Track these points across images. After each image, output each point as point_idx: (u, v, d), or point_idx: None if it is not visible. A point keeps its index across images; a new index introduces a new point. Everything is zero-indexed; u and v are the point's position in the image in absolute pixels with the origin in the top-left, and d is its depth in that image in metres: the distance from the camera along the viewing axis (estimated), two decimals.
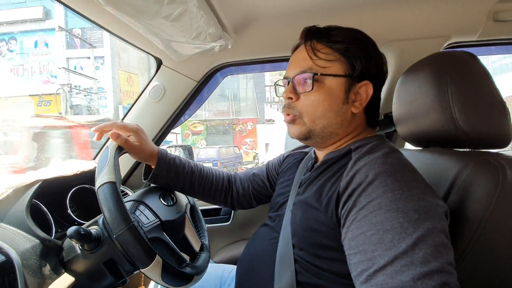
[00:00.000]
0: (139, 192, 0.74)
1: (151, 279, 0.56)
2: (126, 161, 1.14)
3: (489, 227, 0.48)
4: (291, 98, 0.62)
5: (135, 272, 0.63)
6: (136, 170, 1.18)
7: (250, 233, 0.81)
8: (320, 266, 0.55)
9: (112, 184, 0.55)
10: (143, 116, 1.12)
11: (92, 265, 0.59)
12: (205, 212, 1.23)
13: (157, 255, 0.55)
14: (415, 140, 0.70)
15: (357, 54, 0.58)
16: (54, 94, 10.64)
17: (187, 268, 0.65)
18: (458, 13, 0.94)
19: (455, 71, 0.54)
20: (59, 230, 0.78)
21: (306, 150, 0.82)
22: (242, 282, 0.69)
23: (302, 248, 0.58)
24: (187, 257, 0.72)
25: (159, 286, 0.78)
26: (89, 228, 0.59)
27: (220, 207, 1.26)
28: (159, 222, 0.67)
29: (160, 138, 1.18)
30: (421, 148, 0.72)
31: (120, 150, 0.66)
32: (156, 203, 0.71)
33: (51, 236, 0.71)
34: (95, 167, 0.61)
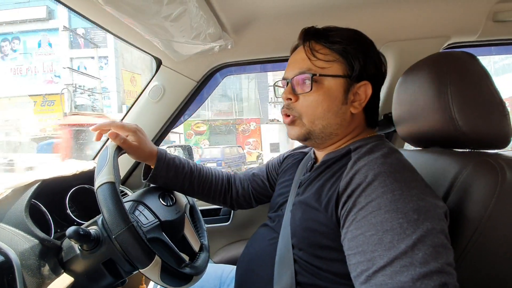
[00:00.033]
0: (138, 192, 0.74)
1: (150, 280, 0.56)
2: (126, 161, 1.14)
3: (488, 228, 0.48)
4: (290, 99, 0.62)
5: (134, 272, 0.62)
6: (136, 170, 1.18)
7: (250, 233, 0.81)
8: (319, 266, 0.55)
9: (111, 184, 0.55)
10: (142, 116, 1.12)
11: (91, 265, 0.59)
12: (205, 212, 1.23)
13: (156, 256, 0.55)
14: (415, 140, 0.70)
15: (356, 55, 0.58)
16: (57, 94, 10.67)
17: (186, 268, 0.65)
18: (458, 13, 0.94)
19: (455, 72, 0.54)
20: (58, 230, 0.78)
21: (306, 150, 0.82)
22: (242, 282, 0.69)
23: (301, 249, 0.58)
24: (186, 257, 0.72)
25: (159, 286, 0.78)
26: (88, 228, 0.59)
27: (219, 207, 1.26)
28: (158, 222, 0.67)
29: (159, 138, 1.18)
30: (420, 149, 0.72)
31: (119, 150, 0.66)
32: (156, 203, 0.71)
33: (50, 236, 0.71)
34: (95, 167, 0.61)
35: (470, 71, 0.54)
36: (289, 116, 0.64)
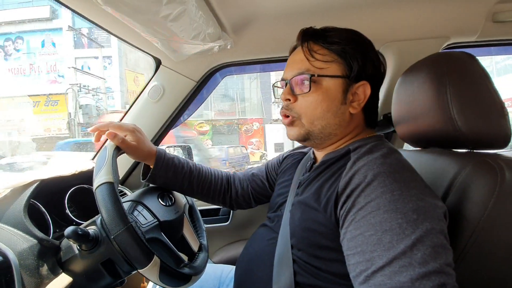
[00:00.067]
0: (137, 192, 0.74)
1: (149, 280, 0.56)
2: (125, 161, 1.14)
3: (487, 228, 0.48)
4: (289, 100, 0.62)
5: (133, 273, 0.62)
6: (135, 170, 1.18)
7: (249, 234, 0.81)
8: (318, 266, 0.55)
9: (110, 184, 0.55)
10: (142, 116, 1.12)
11: (90, 265, 0.59)
12: (204, 212, 1.23)
13: (155, 256, 0.54)
14: (414, 140, 0.70)
15: (354, 55, 0.59)
16: (61, 94, 10.69)
17: (185, 269, 0.65)
18: (457, 13, 0.94)
19: (454, 72, 0.54)
20: (57, 230, 0.78)
21: (305, 150, 0.82)
22: (241, 282, 0.68)
23: (300, 249, 0.58)
24: (185, 257, 0.71)
25: (158, 286, 0.78)
26: (87, 228, 0.58)
27: (219, 207, 1.25)
28: (157, 222, 0.67)
29: (159, 138, 1.17)
30: (420, 149, 0.72)
31: (118, 150, 0.66)
32: (155, 203, 0.71)
33: (49, 236, 0.71)
34: (93, 167, 0.61)
35: (469, 72, 0.54)
36: (288, 116, 0.64)
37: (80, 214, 0.88)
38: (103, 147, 0.64)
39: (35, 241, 0.60)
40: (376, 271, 0.42)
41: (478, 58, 0.56)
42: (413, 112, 0.62)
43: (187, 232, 0.77)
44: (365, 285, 0.42)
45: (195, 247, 0.77)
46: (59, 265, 0.61)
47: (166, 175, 0.77)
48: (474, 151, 0.57)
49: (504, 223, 0.48)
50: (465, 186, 0.50)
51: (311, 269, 0.55)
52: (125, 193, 1.03)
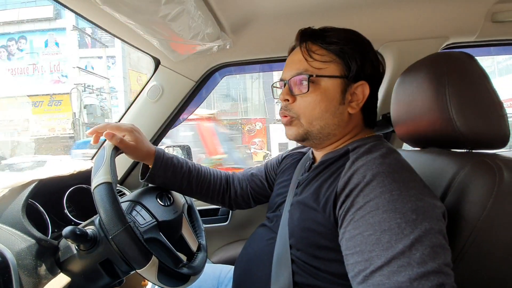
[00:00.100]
0: (136, 192, 0.74)
1: (147, 280, 0.56)
2: (124, 161, 1.14)
3: (485, 228, 0.48)
4: (288, 100, 0.62)
5: (131, 273, 0.62)
6: (134, 170, 1.18)
7: (248, 234, 0.81)
8: (317, 266, 0.55)
9: (108, 184, 0.55)
10: (141, 116, 1.12)
11: (88, 265, 0.59)
12: (203, 212, 1.23)
13: (153, 256, 0.54)
14: (413, 140, 0.70)
15: (352, 55, 0.59)
16: (65, 94, 10.68)
17: (184, 269, 0.64)
18: (456, 13, 0.94)
19: (453, 72, 0.54)
20: (56, 230, 0.77)
21: (304, 150, 0.82)
22: (239, 282, 0.68)
23: (299, 249, 0.58)
24: (184, 257, 0.71)
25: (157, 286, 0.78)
26: (86, 228, 0.58)
27: (218, 207, 1.25)
28: (155, 222, 0.67)
29: (158, 138, 1.17)
30: (419, 149, 0.72)
31: (116, 150, 0.66)
32: (153, 203, 0.71)
33: (48, 236, 0.71)
34: (92, 167, 0.60)
35: (468, 72, 0.54)
36: (286, 116, 0.64)
37: (79, 214, 0.88)
38: (101, 147, 0.64)
39: (33, 241, 0.60)
40: (374, 271, 0.42)
41: (478, 58, 0.56)
42: (412, 112, 0.62)
43: (186, 232, 0.77)
44: (363, 285, 0.42)
45: (194, 247, 0.77)
46: (57, 265, 0.61)
47: (165, 175, 0.77)
48: (473, 151, 0.57)
49: (503, 223, 0.48)
50: (463, 186, 0.50)
51: (310, 269, 0.55)
52: (124, 193, 1.03)
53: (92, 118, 10.51)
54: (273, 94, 0.72)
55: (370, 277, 0.42)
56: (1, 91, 11.26)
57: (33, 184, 0.69)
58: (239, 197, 0.90)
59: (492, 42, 1.04)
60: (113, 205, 0.53)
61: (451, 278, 0.40)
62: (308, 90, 0.59)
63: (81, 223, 0.64)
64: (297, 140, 0.65)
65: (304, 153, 0.81)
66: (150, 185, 0.80)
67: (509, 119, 0.53)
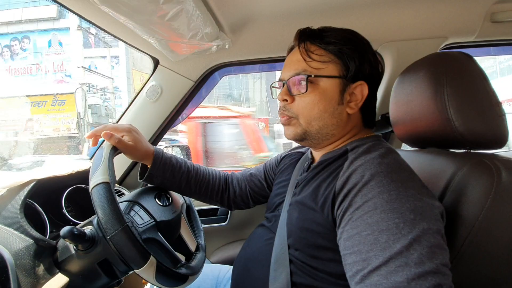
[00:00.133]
0: (134, 192, 0.74)
1: (145, 280, 0.56)
2: (123, 161, 1.14)
3: (483, 228, 0.48)
4: (286, 100, 0.62)
5: (129, 273, 0.62)
6: (133, 170, 1.18)
7: (247, 234, 0.81)
8: (315, 266, 0.55)
9: (106, 184, 0.55)
10: (140, 116, 1.12)
11: (87, 265, 0.59)
12: (202, 212, 1.23)
13: (151, 256, 0.54)
14: (412, 140, 0.70)
15: (351, 55, 0.58)
16: (68, 93, 10.65)
17: (182, 269, 0.64)
18: (455, 14, 0.94)
19: (451, 72, 0.54)
20: (54, 230, 0.77)
21: (303, 150, 0.82)
22: (238, 282, 0.68)
23: (297, 249, 0.58)
24: (182, 257, 0.71)
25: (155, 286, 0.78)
26: (84, 228, 0.58)
27: (217, 207, 1.25)
28: (154, 222, 0.66)
29: (157, 138, 1.17)
30: (418, 149, 0.72)
31: (114, 150, 0.66)
32: (151, 203, 0.71)
33: (46, 236, 0.71)
34: (90, 167, 0.60)
35: (466, 72, 0.54)
36: (285, 116, 0.64)
37: (77, 214, 0.88)
38: (99, 148, 0.64)
39: (31, 241, 0.60)
40: (372, 271, 0.42)
41: (478, 58, 0.56)
42: (411, 112, 0.62)
43: (185, 232, 0.77)
44: (361, 284, 0.42)
45: (192, 247, 0.77)
46: (55, 265, 0.61)
47: (163, 175, 0.77)
48: (472, 151, 0.57)
49: (501, 223, 0.48)
50: (462, 186, 0.50)
51: (308, 269, 0.55)
52: (123, 193, 1.03)
53: (96, 118, 10.49)
54: (272, 94, 0.72)
55: (368, 277, 0.42)
56: (5, 91, 11.24)
57: (32, 184, 0.70)
58: (238, 197, 0.90)
59: (491, 42, 1.04)
60: (111, 205, 0.53)
61: (449, 278, 0.40)
62: (306, 90, 0.59)
63: (79, 223, 0.64)
64: (296, 140, 0.65)
65: (303, 153, 0.81)
66: (149, 185, 0.80)
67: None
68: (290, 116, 0.63)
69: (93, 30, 11.10)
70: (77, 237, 0.55)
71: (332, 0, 0.90)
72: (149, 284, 0.87)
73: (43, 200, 0.76)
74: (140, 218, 0.65)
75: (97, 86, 10.87)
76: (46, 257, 0.61)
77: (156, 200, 0.73)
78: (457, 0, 0.91)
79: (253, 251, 0.69)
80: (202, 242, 0.81)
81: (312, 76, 0.59)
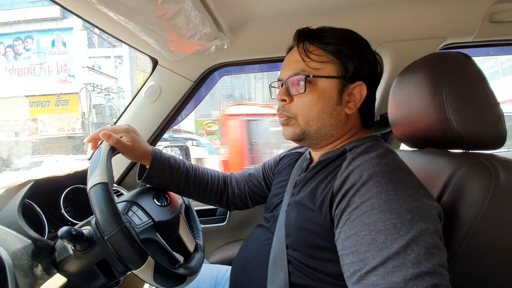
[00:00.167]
0: (132, 192, 0.74)
1: (143, 281, 0.56)
2: (122, 161, 1.14)
3: (481, 229, 0.48)
4: (285, 100, 0.62)
5: (127, 273, 0.62)
6: (132, 170, 1.18)
7: (246, 234, 0.81)
8: (313, 267, 0.55)
9: (104, 185, 0.55)
10: (138, 116, 1.12)
11: (85, 266, 0.59)
12: (201, 213, 1.23)
13: (149, 256, 0.54)
14: (410, 141, 0.70)
15: (350, 55, 0.58)
16: (72, 93, 10.64)
17: (180, 269, 0.64)
18: (454, 14, 0.94)
19: (450, 72, 0.54)
20: (52, 230, 0.77)
21: (302, 150, 0.82)
22: (236, 283, 0.68)
23: (295, 249, 0.57)
24: (181, 258, 0.71)
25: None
26: (82, 228, 0.58)
27: (216, 207, 1.25)
28: (152, 223, 0.66)
29: (156, 138, 1.17)
30: (416, 149, 0.72)
31: (113, 150, 0.66)
32: (150, 203, 0.71)
33: (44, 237, 0.71)
34: (88, 168, 0.60)
35: (465, 72, 0.54)
36: (283, 116, 0.63)
37: (76, 214, 0.88)
38: (97, 148, 0.64)
39: (29, 241, 0.60)
40: (369, 271, 0.42)
41: (479, 58, 0.55)
42: (409, 113, 0.62)
43: (183, 232, 0.77)
44: (358, 285, 0.42)
45: (191, 247, 0.77)
46: (53, 265, 0.60)
47: (162, 175, 0.77)
48: (470, 151, 0.57)
49: (499, 224, 0.48)
50: (460, 186, 0.50)
51: (306, 270, 0.55)
52: (121, 193, 1.03)
53: (101, 118, 10.49)
54: (271, 94, 0.72)
55: (365, 278, 0.42)
56: (8, 91, 11.23)
57: (30, 184, 0.69)
58: (237, 197, 0.90)
59: (491, 42, 1.04)
60: (109, 205, 0.53)
61: (446, 279, 0.40)
62: (305, 91, 0.59)
63: (78, 223, 0.64)
64: (294, 140, 0.65)
65: (301, 153, 0.81)
66: (147, 185, 0.80)
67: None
68: (289, 117, 0.63)
69: (97, 30, 11.07)
70: (75, 238, 0.54)
71: (331, 0, 0.90)
72: (146, 285, 0.87)
73: (42, 200, 0.76)
74: (138, 219, 0.64)
75: (101, 86, 10.87)
76: (44, 257, 0.60)
77: (155, 200, 0.73)
78: (456, 0, 0.91)
79: (251, 251, 0.69)
80: (200, 242, 0.81)
81: (311, 76, 0.59)
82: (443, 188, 0.53)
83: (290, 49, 0.67)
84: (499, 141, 0.52)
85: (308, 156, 0.72)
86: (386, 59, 1.02)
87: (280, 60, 1.09)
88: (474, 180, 0.49)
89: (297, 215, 0.59)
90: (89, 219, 0.62)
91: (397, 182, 0.47)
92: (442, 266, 0.41)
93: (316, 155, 0.68)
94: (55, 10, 11.01)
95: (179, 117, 1.20)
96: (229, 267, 0.87)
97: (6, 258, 0.54)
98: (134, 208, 0.66)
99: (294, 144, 0.75)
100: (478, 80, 0.53)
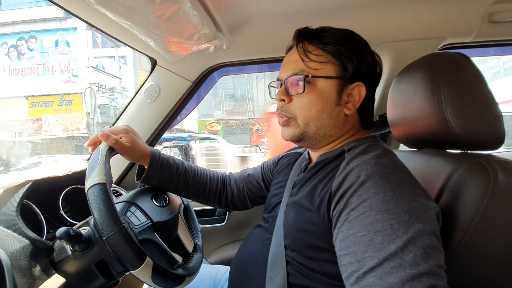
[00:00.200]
0: (131, 193, 0.74)
1: (142, 281, 0.56)
2: (121, 162, 1.14)
3: (479, 229, 0.47)
4: (284, 100, 0.62)
5: (126, 274, 0.62)
6: (131, 170, 1.18)
7: (245, 234, 0.81)
8: (311, 267, 0.55)
9: (102, 185, 0.55)
10: (137, 116, 1.12)
11: (83, 266, 0.59)
12: (200, 213, 1.23)
13: (147, 257, 0.54)
14: (409, 141, 0.70)
15: (349, 56, 0.58)
16: (76, 93, 10.64)
17: (179, 269, 0.64)
18: (453, 14, 0.94)
19: (448, 73, 0.54)
20: (51, 231, 0.77)
21: (301, 151, 0.82)
22: (235, 283, 0.68)
23: (294, 250, 0.57)
24: (180, 258, 0.71)
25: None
26: (80, 229, 0.58)
27: (215, 208, 1.25)
28: (150, 223, 0.66)
29: (155, 138, 1.17)
30: (414, 150, 0.72)
31: (111, 150, 0.65)
32: (148, 204, 0.71)
33: (43, 237, 0.71)
34: (87, 168, 0.60)
35: (463, 72, 0.54)
36: (283, 117, 0.63)
37: (75, 214, 0.87)
38: (96, 148, 0.64)
39: (27, 241, 0.60)
40: (367, 272, 0.42)
41: (481, 58, 0.55)
42: (408, 113, 0.62)
43: (182, 232, 0.76)
44: (356, 285, 0.42)
45: (190, 248, 0.76)
46: (52, 265, 0.60)
47: (160, 176, 0.77)
48: (468, 152, 0.57)
49: (497, 224, 0.48)
50: (458, 187, 0.50)
51: (304, 270, 0.55)
52: (120, 194, 1.03)
53: (105, 117, 10.48)
54: (270, 94, 0.72)
55: (363, 278, 0.42)
56: (11, 91, 11.22)
57: (28, 185, 0.69)
58: (236, 198, 0.90)
59: (490, 42, 1.04)
60: (107, 206, 0.53)
61: (444, 280, 0.40)
62: (304, 91, 0.59)
63: (77, 224, 0.64)
64: (293, 141, 0.65)
65: (300, 154, 0.81)
66: (146, 186, 0.80)
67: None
68: (288, 117, 0.62)
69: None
70: (73, 238, 0.54)
71: (331, 0, 0.90)
72: (145, 286, 0.87)
73: (40, 200, 0.76)
74: (136, 219, 0.64)
75: (105, 86, 10.87)
76: (43, 257, 0.60)
77: (153, 200, 0.73)
78: (455, 0, 0.91)
79: (250, 251, 0.69)
80: (199, 242, 0.81)
81: (310, 76, 0.59)
82: (441, 188, 0.53)
83: (289, 49, 0.67)
84: (498, 142, 0.52)
85: (306, 156, 0.72)
86: (385, 59, 1.02)
87: (280, 60, 1.08)
88: (472, 181, 0.49)
89: (295, 215, 0.59)
90: (87, 219, 0.62)
91: (395, 183, 0.47)
92: (439, 266, 0.41)
93: (315, 156, 0.68)
94: (59, 10, 11.01)
95: (178, 117, 1.20)
96: (228, 268, 0.87)
97: (5, 259, 0.54)
98: (133, 208, 0.66)
99: None
100: (477, 80, 0.53)
